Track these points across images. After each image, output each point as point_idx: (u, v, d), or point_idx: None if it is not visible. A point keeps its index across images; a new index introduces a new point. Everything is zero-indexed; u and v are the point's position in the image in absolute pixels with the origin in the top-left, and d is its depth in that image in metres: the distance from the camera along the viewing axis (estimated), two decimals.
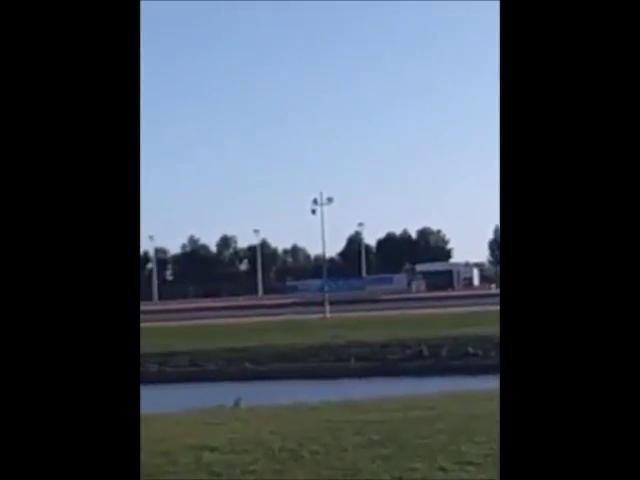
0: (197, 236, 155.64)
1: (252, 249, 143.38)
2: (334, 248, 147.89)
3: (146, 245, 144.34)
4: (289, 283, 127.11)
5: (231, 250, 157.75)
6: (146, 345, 49.92)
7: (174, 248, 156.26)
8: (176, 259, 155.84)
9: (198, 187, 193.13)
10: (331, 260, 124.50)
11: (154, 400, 27.29)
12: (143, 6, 4.74)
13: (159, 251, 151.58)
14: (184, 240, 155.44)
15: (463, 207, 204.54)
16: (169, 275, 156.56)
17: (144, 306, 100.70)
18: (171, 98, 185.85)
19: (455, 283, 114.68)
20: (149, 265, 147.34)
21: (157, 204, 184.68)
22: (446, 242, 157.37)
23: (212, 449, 11.69)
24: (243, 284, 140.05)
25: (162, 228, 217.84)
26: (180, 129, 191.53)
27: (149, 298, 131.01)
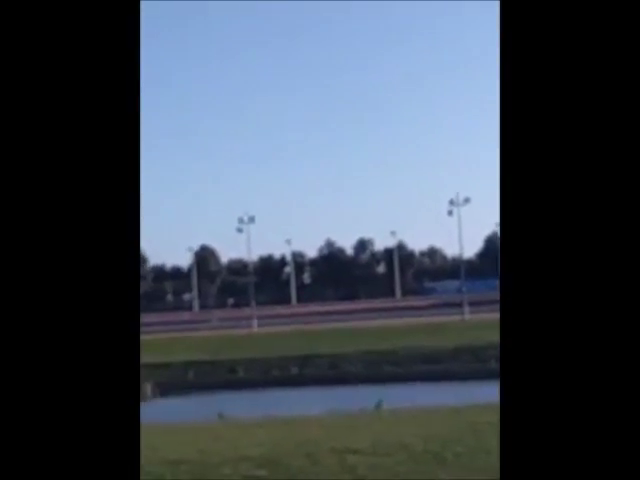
0: (334, 239, 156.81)
1: (389, 251, 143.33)
2: (471, 249, 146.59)
3: (284, 249, 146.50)
4: (427, 285, 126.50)
5: (368, 252, 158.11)
6: (286, 348, 50.68)
7: (311, 252, 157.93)
8: (313, 262, 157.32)
9: (334, 190, 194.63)
10: (469, 261, 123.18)
11: (295, 403, 27.62)
12: (143, 6, 4.69)
13: (297, 255, 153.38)
14: (321, 243, 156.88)
15: None
16: (307, 278, 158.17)
17: (283, 309, 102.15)
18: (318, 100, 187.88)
19: None
20: (287, 269, 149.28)
21: (295, 208, 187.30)
22: None
23: (355, 451, 11.70)
24: (380, 286, 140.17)
25: (299, 232, 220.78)
26: (315, 132, 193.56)
27: (288, 302, 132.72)
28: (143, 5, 4.67)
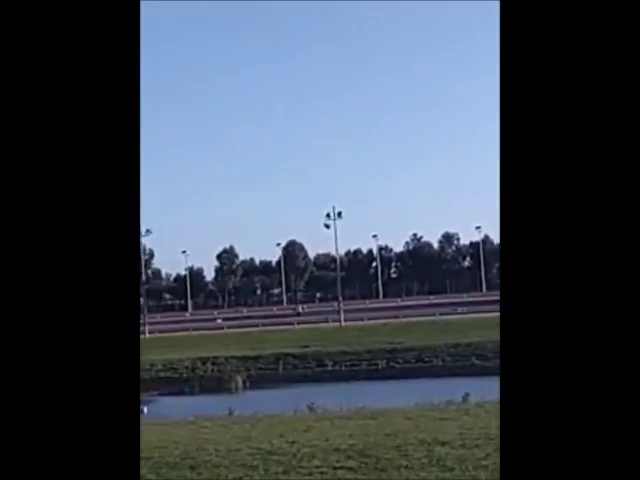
0: (420, 234, 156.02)
1: (474, 245, 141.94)
2: None
3: (370, 244, 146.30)
4: None
5: (453, 247, 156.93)
6: (373, 342, 50.68)
7: (398, 246, 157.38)
8: (400, 257, 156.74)
9: (420, 185, 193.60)
10: None
11: (383, 395, 27.74)
12: (143, 6, 4.67)
13: (383, 249, 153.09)
14: (407, 238, 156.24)
15: None
16: (393, 273, 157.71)
17: (370, 303, 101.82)
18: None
19: None
20: (374, 263, 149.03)
21: (380, 203, 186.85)
22: None
23: (443, 443, 11.79)
24: (466, 280, 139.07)
25: (385, 226, 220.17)
26: (403, 128, 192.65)
27: (375, 296, 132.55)
28: (143, 5, 4.66)
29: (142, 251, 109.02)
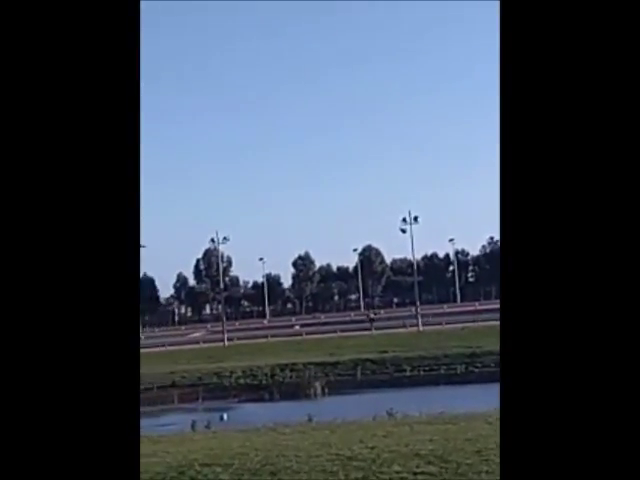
0: (497, 237, 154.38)
1: None
2: None
3: (447, 248, 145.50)
4: None
5: None
6: (452, 346, 50.42)
7: (474, 250, 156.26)
8: (476, 260, 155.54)
9: (495, 188, 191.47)
10: None
11: (462, 400, 27.52)
12: (143, 6, 4.64)
13: (460, 253, 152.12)
14: (484, 241, 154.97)
15: None
16: (470, 277, 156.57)
17: (448, 308, 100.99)
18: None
19: None
20: (451, 267, 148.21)
21: (456, 207, 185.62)
22: None
23: None
24: None
25: (462, 230, 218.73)
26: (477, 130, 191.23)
27: (452, 300, 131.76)
28: (143, 5, 4.67)
29: (220, 258, 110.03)
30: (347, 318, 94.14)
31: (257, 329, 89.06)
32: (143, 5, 4.66)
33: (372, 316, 79.18)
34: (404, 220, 78.53)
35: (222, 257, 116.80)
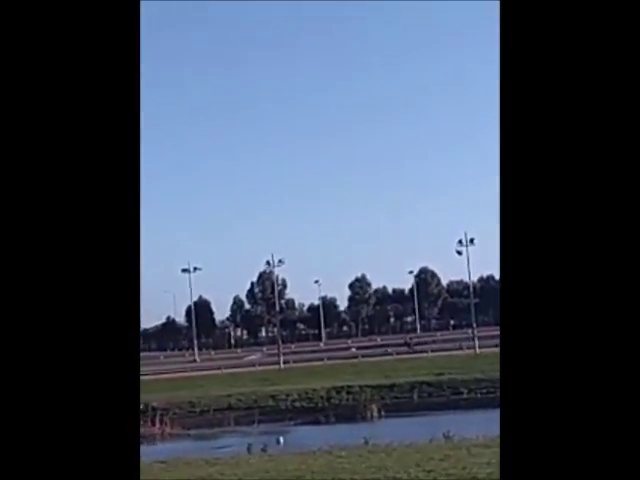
0: None
1: None
2: None
3: None
4: None
5: None
6: None
7: None
8: None
9: None
10: None
11: None
12: (143, 6, 4.62)
13: None
14: None
15: None
16: None
17: None
18: None
19: None
20: None
21: None
22: None
23: None
24: None
25: None
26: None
27: None
28: (143, 5, 4.65)
29: (275, 281, 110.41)
30: (402, 341, 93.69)
31: (313, 352, 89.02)
32: (143, 5, 4.68)
33: (408, 341, 78.69)
34: (460, 242, 78.18)
35: (277, 280, 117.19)
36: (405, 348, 73.79)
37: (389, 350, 72.94)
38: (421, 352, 69.93)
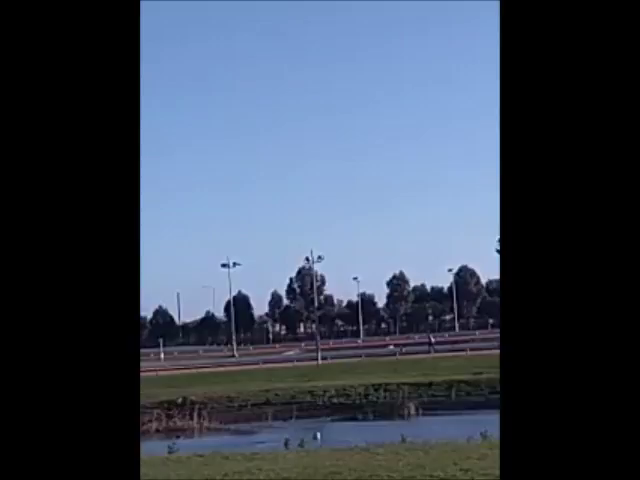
0: None
1: None
2: None
3: None
4: None
5: None
6: None
7: None
8: None
9: None
10: None
11: None
12: (143, 6, 4.60)
13: None
14: None
15: None
16: None
17: None
18: None
19: None
20: None
21: None
22: None
23: None
24: None
25: None
26: None
27: None
28: (143, 5, 4.66)
29: (314, 277, 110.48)
30: (441, 339, 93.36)
31: (351, 348, 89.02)
32: (143, 5, 4.68)
33: (432, 340, 78.35)
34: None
35: (316, 276, 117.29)
36: (427, 347, 73.36)
37: (432, 348, 72.64)
38: (453, 351, 69.60)
